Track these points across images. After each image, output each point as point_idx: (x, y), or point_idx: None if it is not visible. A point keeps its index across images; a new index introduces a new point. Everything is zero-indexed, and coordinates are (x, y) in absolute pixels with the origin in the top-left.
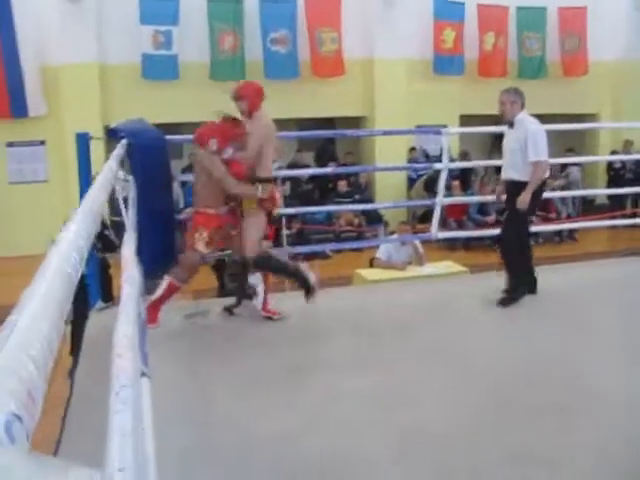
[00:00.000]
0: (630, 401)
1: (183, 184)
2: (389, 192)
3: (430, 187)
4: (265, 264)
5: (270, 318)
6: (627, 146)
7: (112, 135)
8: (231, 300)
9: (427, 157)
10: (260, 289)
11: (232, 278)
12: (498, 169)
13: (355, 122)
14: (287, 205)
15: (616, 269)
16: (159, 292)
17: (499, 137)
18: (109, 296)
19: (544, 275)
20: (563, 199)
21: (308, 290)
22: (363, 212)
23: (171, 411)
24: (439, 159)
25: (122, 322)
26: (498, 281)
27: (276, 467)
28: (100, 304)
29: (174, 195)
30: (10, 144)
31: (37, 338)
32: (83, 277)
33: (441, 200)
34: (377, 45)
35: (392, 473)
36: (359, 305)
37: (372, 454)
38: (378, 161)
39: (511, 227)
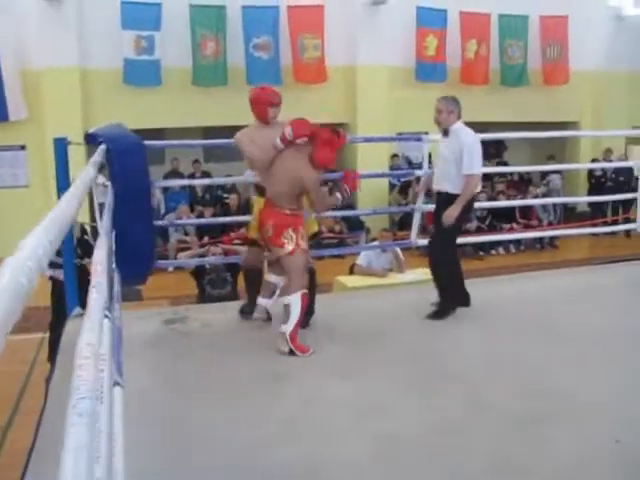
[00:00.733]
0: (608, 409)
1: (165, 190)
2: (371, 199)
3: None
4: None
5: (293, 353)
6: (607, 154)
7: (91, 140)
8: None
9: (410, 164)
10: (293, 306)
11: (212, 284)
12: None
13: None
14: None
15: (594, 276)
16: (295, 313)
17: (482, 144)
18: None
19: (523, 282)
20: (544, 206)
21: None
22: (344, 218)
23: (147, 419)
24: (422, 166)
25: (86, 330)
26: (478, 288)
27: (253, 475)
28: (78, 310)
29: (155, 201)
30: None
31: None
32: (62, 283)
33: (420, 207)
34: (359, 52)
35: None
36: (338, 312)
37: (349, 461)
38: (360, 168)
39: (438, 241)
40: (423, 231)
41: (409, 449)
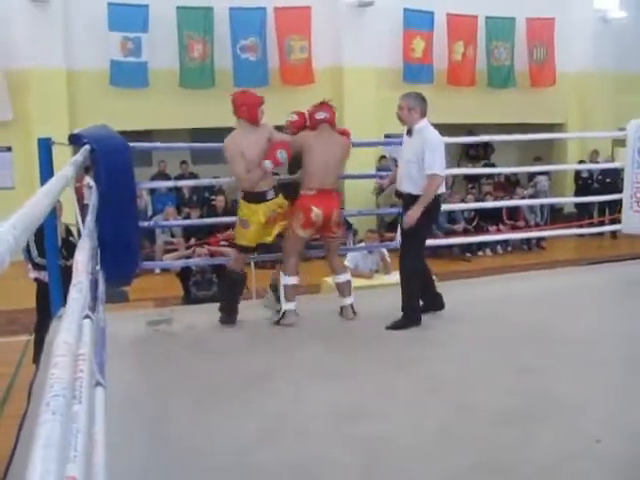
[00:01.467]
0: (591, 409)
1: (152, 192)
2: (358, 200)
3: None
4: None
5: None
6: (594, 156)
7: (75, 141)
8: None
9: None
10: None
11: (198, 286)
12: (467, 177)
13: None
14: None
15: (581, 277)
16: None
17: (468, 146)
18: None
19: (510, 283)
20: (531, 207)
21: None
22: None
23: (130, 420)
24: None
25: (64, 329)
26: (465, 289)
27: (236, 475)
28: (63, 311)
29: (142, 203)
30: None
31: None
32: (47, 285)
33: None
34: (346, 53)
35: None
36: (325, 313)
37: (334, 464)
38: (347, 169)
39: (404, 248)
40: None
41: (394, 450)
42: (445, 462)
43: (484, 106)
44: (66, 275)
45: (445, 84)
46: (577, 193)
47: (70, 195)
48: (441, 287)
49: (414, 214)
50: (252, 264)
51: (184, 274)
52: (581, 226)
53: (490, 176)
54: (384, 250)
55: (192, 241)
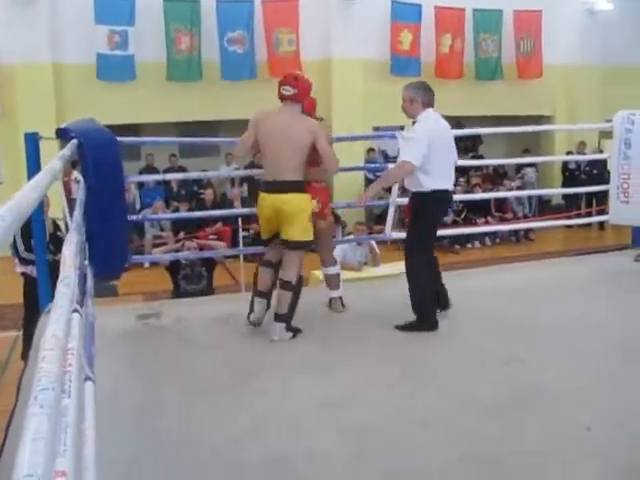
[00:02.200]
0: (580, 398)
1: (140, 186)
2: (346, 193)
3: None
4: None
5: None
6: (581, 147)
7: (62, 135)
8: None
9: (386, 157)
10: None
11: (187, 280)
12: (455, 170)
13: None
14: (244, 206)
15: (569, 268)
16: None
17: (457, 139)
18: None
19: (499, 275)
20: (519, 199)
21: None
22: None
23: (119, 414)
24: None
25: (52, 323)
26: (454, 281)
27: (224, 468)
28: (50, 306)
29: (130, 197)
30: None
31: None
32: (34, 279)
33: (395, 200)
34: (334, 45)
35: (343, 474)
36: (312, 306)
37: (322, 456)
38: None
39: (408, 239)
40: (402, 225)
41: (382, 442)
42: (434, 453)
43: (472, 98)
44: (54, 270)
45: (433, 77)
46: (564, 184)
47: (58, 189)
48: None
49: (369, 192)
50: (241, 257)
51: (173, 268)
52: (569, 217)
53: (478, 168)
54: (373, 242)
55: (181, 235)
